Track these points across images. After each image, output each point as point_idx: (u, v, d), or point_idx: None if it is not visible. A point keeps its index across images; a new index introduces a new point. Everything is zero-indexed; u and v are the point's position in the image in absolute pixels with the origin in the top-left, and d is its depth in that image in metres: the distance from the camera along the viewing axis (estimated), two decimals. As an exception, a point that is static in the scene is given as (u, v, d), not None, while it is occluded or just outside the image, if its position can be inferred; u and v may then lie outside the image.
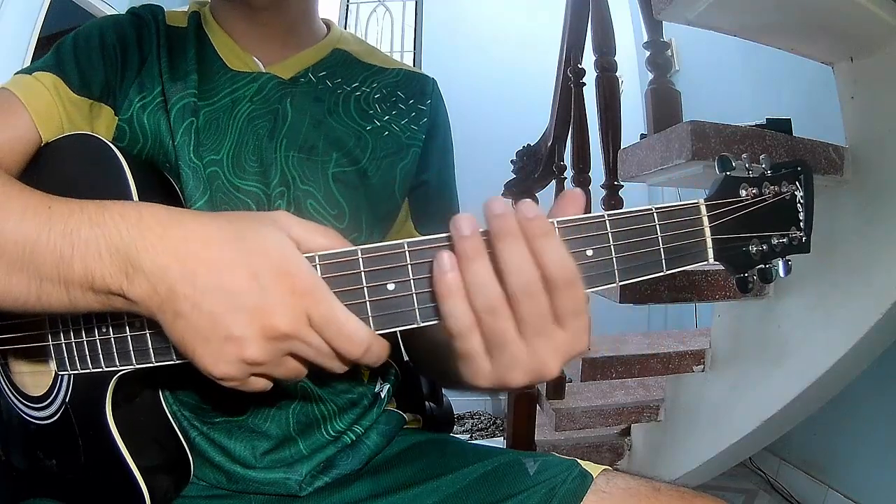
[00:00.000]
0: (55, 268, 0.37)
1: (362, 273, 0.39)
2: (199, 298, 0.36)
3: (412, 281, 0.39)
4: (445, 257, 0.36)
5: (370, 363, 0.39)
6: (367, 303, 0.39)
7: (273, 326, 0.36)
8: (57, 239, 0.37)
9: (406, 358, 0.72)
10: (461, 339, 0.37)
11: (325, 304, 0.37)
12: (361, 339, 0.37)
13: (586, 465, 0.57)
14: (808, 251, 0.43)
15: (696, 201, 0.41)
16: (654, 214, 0.40)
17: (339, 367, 0.39)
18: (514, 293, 0.35)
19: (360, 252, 0.39)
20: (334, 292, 0.38)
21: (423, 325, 0.39)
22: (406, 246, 0.39)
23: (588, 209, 0.42)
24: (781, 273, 0.43)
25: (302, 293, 0.36)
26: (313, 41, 0.68)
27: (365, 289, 0.39)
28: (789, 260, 0.43)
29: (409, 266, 0.38)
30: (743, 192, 0.41)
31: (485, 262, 0.36)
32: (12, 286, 0.39)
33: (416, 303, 0.39)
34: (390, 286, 0.39)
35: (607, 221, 0.39)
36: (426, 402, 0.83)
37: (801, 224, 0.43)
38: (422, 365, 0.70)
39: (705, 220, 0.41)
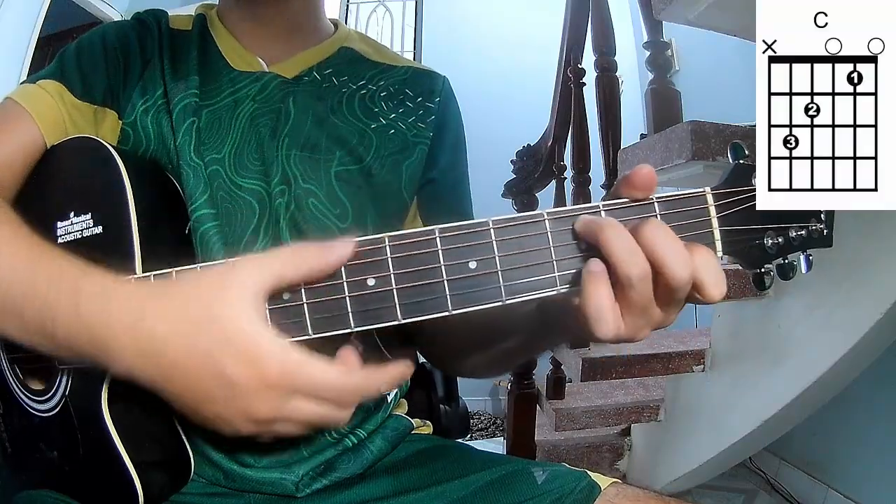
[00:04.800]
0: (40, 329, 0.39)
1: (389, 259, 0.38)
2: (180, 393, 0.38)
3: (443, 267, 0.37)
4: (594, 264, 0.36)
5: (385, 392, 0.40)
6: (395, 291, 0.38)
7: (253, 414, 0.37)
8: (40, 309, 0.39)
9: (422, 360, 0.70)
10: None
11: (302, 381, 0.37)
12: (356, 386, 0.39)
13: (596, 476, 0.56)
14: (830, 245, 0.39)
15: (702, 190, 0.38)
16: (655, 204, 0.38)
17: (344, 417, 0.40)
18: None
19: (387, 239, 0.38)
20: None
21: (454, 313, 0.38)
22: (437, 232, 0.38)
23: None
24: (803, 269, 0.39)
25: (274, 384, 0.36)
26: (319, 40, 0.67)
27: (392, 276, 0.38)
28: (810, 254, 0.39)
29: (441, 252, 0.37)
30: (755, 181, 0.38)
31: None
32: (5, 327, 0.41)
33: (447, 290, 0.37)
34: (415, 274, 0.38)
35: (602, 211, 0.38)
36: (440, 405, 0.82)
37: (822, 215, 0.39)
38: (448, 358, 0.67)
39: (712, 209, 0.38)
